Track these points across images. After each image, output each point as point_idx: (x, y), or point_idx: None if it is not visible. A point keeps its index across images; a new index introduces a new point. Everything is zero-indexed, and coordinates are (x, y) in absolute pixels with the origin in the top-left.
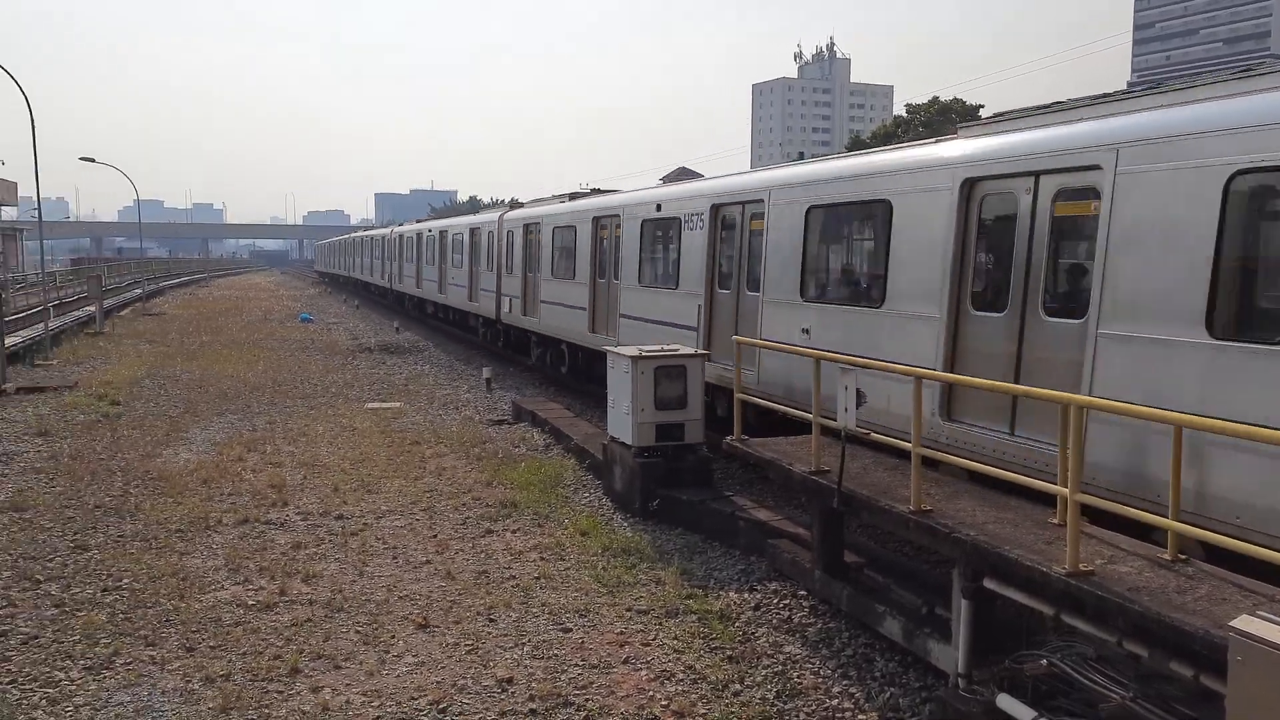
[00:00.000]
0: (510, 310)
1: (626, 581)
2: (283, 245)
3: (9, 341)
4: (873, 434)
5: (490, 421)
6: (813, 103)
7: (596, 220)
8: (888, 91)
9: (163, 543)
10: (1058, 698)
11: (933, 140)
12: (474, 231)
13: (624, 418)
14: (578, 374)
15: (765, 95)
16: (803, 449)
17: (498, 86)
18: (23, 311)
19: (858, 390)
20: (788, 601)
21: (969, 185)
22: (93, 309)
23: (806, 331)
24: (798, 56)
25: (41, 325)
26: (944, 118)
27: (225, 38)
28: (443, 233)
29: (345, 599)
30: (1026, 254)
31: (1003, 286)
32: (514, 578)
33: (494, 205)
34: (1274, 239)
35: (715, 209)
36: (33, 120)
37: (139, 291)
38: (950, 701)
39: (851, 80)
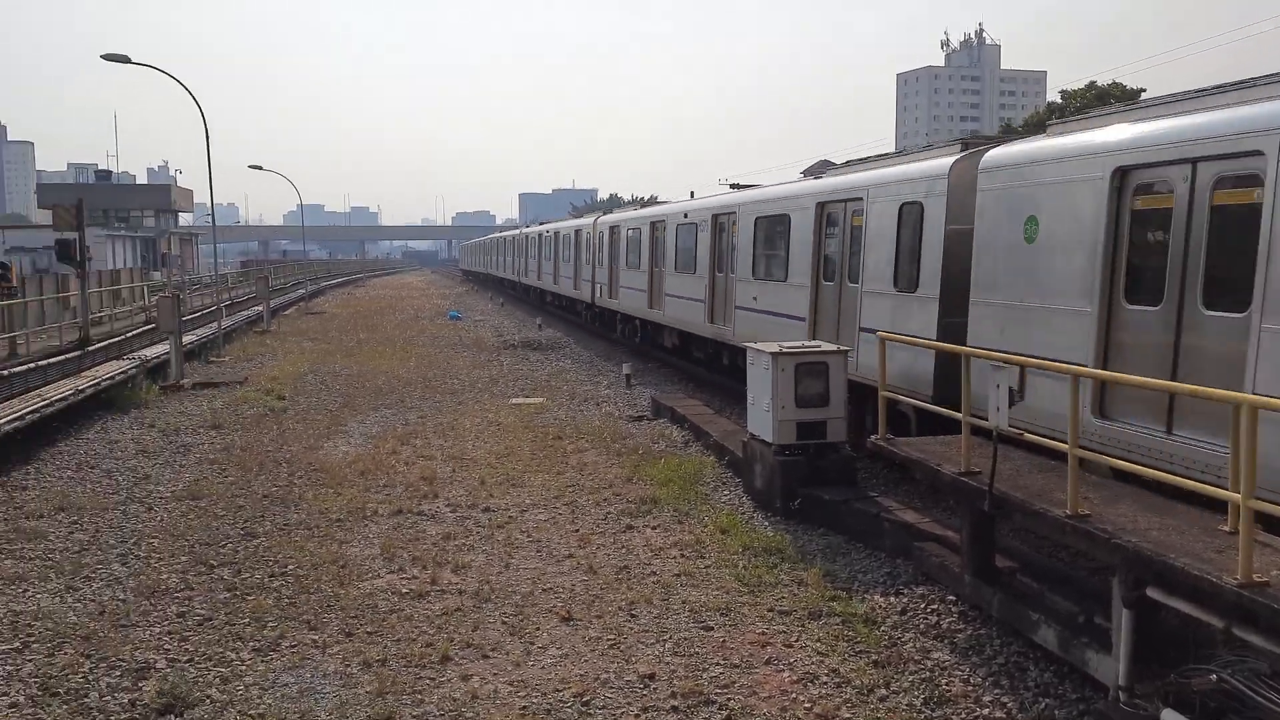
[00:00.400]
0: (601, 295)
1: (768, 581)
2: (433, 246)
3: (186, 340)
4: (1026, 434)
5: (630, 417)
6: (960, 91)
7: (652, 224)
8: (1040, 77)
9: (324, 531)
10: (1228, 715)
11: (812, 177)
12: (577, 233)
13: (764, 415)
14: (646, 341)
15: (911, 85)
16: (951, 449)
17: (640, 79)
18: (198, 311)
19: (1010, 389)
20: (936, 606)
21: (821, 206)
22: (260, 308)
23: (755, 299)
24: (944, 44)
25: (215, 324)
26: (1101, 103)
27: (382, 54)
28: (556, 233)
29: (492, 590)
30: (843, 246)
31: (835, 267)
32: (655, 574)
33: (632, 203)
34: (911, 240)
35: (714, 217)
36: (207, 133)
37: (302, 291)
38: (1110, 715)
39: (1002, 67)
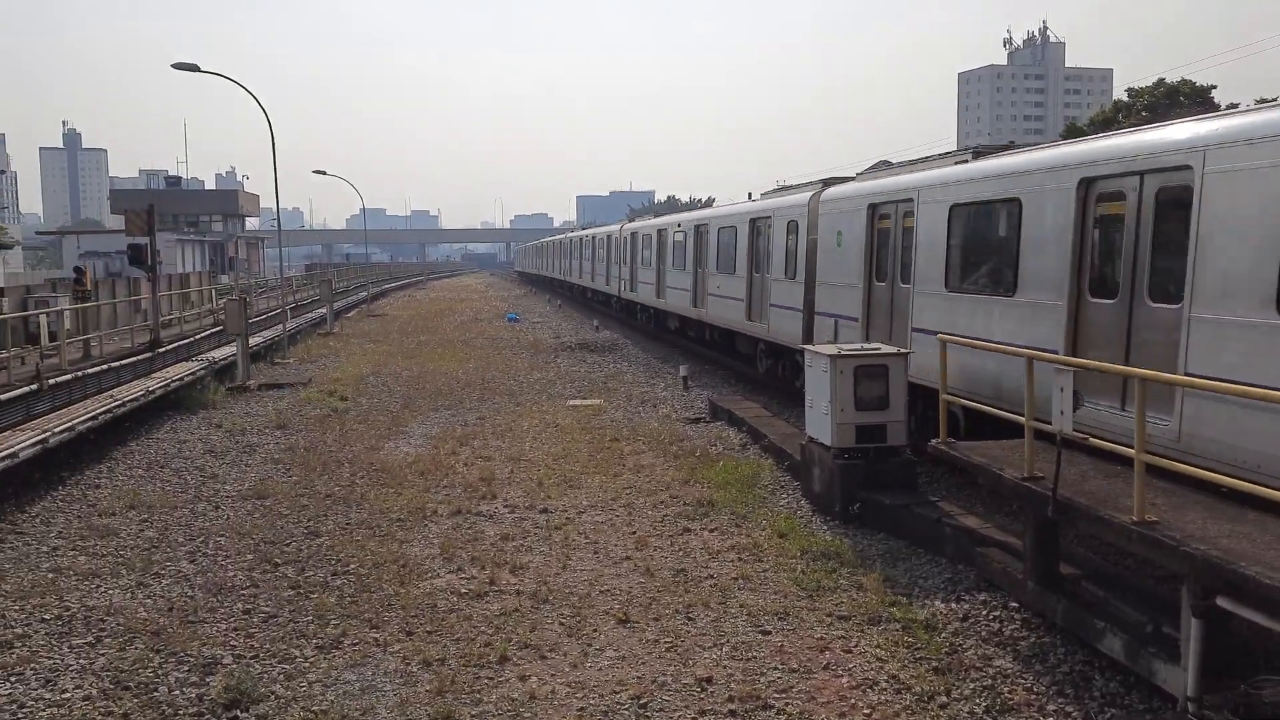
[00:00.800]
0: (624, 289)
1: (827, 586)
2: (491, 248)
3: (252, 342)
4: (1091, 439)
5: (687, 419)
6: (1024, 89)
7: (659, 231)
8: (1106, 75)
9: (385, 531)
10: None
11: (746, 202)
12: (609, 237)
13: (822, 418)
14: (657, 325)
15: (972, 84)
16: (1014, 453)
17: (695, 84)
18: (264, 314)
19: (1075, 392)
20: (998, 613)
21: (752, 222)
22: (324, 311)
23: (719, 288)
24: (1007, 42)
25: (280, 326)
26: (1170, 101)
27: (444, 60)
28: (593, 238)
29: (550, 591)
30: (765, 249)
31: (762, 262)
32: (712, 577)
33: (688, 206)
34: (792, 246)
35: (696, 227)
36: (273, 139)
37: (364, 294)
38: None
39: (1066, 65)
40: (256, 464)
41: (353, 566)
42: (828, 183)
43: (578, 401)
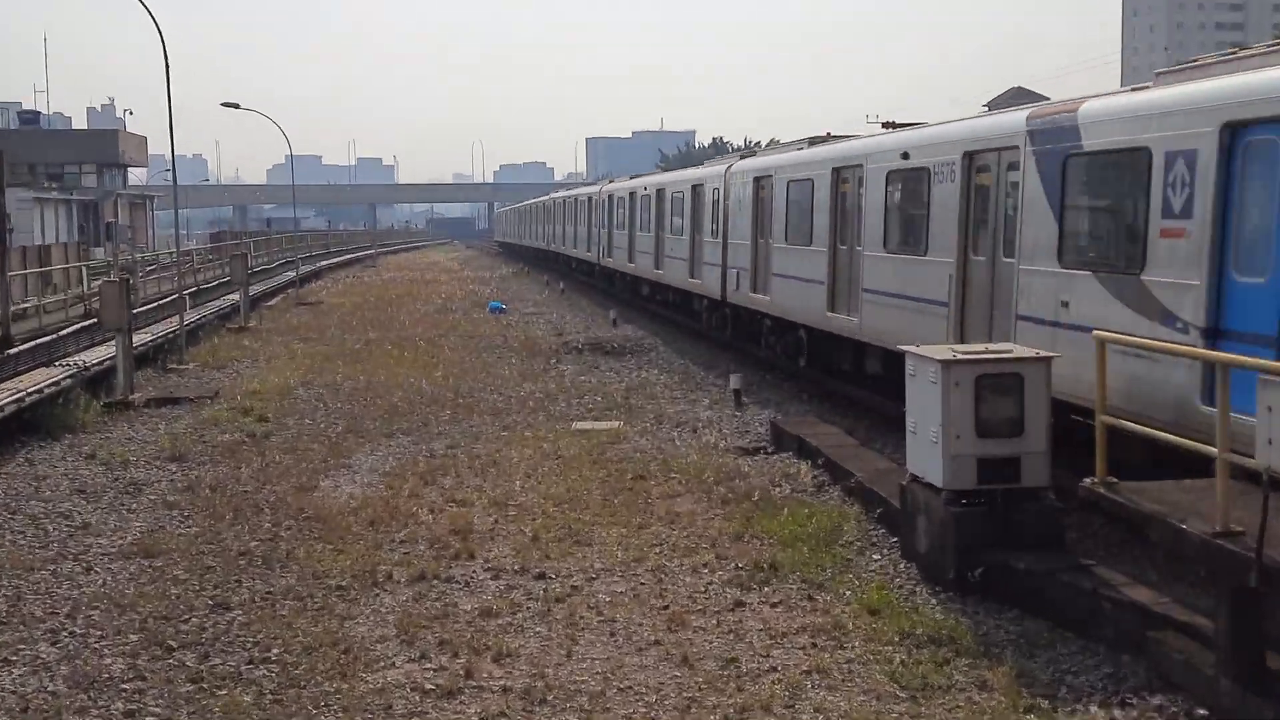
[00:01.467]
0: (602, 255)
1: (936, 684)
2: (468, 211)
3: (137, 340)
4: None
5: (739, 449)
6: None
7: (630, 194)
8: None
9: (320, 603)
10: None
11: (695, 169)
12: (590, 199)
13: (929, 448)
14: (629, 290)
15: None
16: (1201, 498)
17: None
18: (154, 301)
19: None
20: None
21: (695, 187)
22: (236, 297)
23: (672, 249)
24: None
25: (175, 319)
26: None
27: None
28: (575, 199)
29: (549, 688)
30: (702, 212)
31: (701, 224)
32: (775, 670)
33: (740, 150)
34: (715, 209)
35: (658, 191)
36: (167, 61)
37: (292, 274)
38: None
39: None
40: (143, 509)
41: (275, 652)
42: (744, 155)
43: (588, 424)
